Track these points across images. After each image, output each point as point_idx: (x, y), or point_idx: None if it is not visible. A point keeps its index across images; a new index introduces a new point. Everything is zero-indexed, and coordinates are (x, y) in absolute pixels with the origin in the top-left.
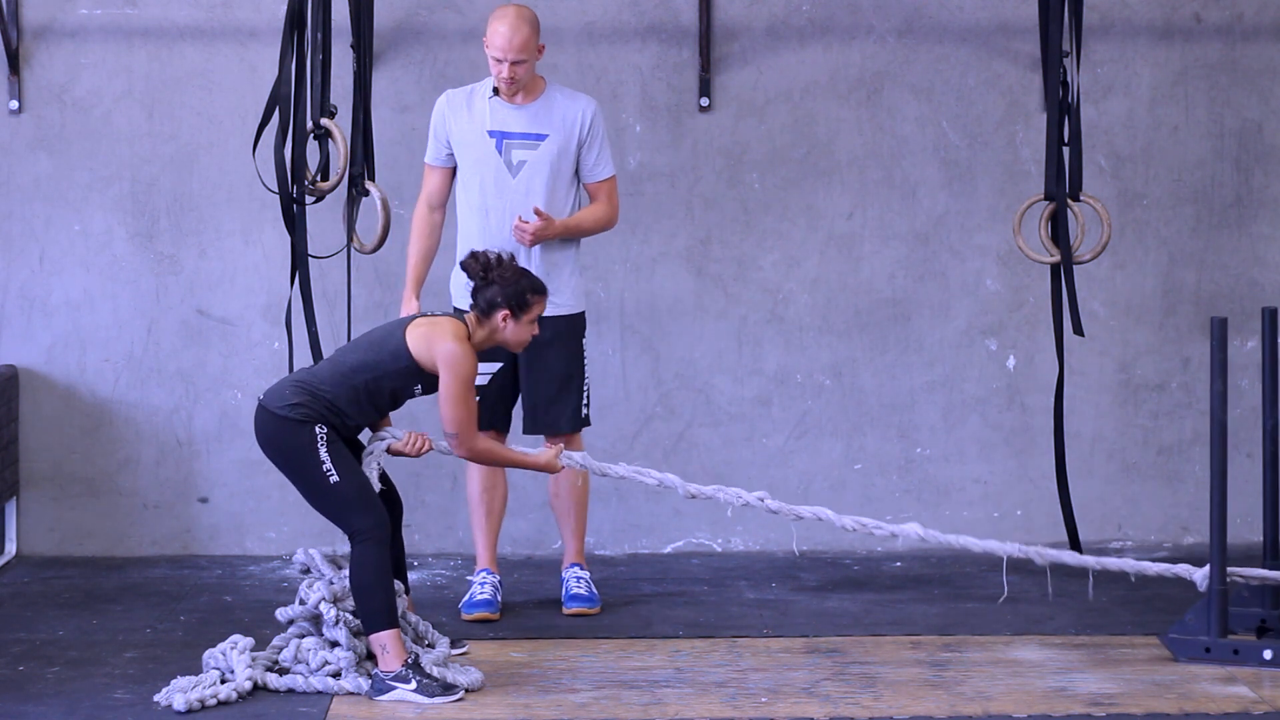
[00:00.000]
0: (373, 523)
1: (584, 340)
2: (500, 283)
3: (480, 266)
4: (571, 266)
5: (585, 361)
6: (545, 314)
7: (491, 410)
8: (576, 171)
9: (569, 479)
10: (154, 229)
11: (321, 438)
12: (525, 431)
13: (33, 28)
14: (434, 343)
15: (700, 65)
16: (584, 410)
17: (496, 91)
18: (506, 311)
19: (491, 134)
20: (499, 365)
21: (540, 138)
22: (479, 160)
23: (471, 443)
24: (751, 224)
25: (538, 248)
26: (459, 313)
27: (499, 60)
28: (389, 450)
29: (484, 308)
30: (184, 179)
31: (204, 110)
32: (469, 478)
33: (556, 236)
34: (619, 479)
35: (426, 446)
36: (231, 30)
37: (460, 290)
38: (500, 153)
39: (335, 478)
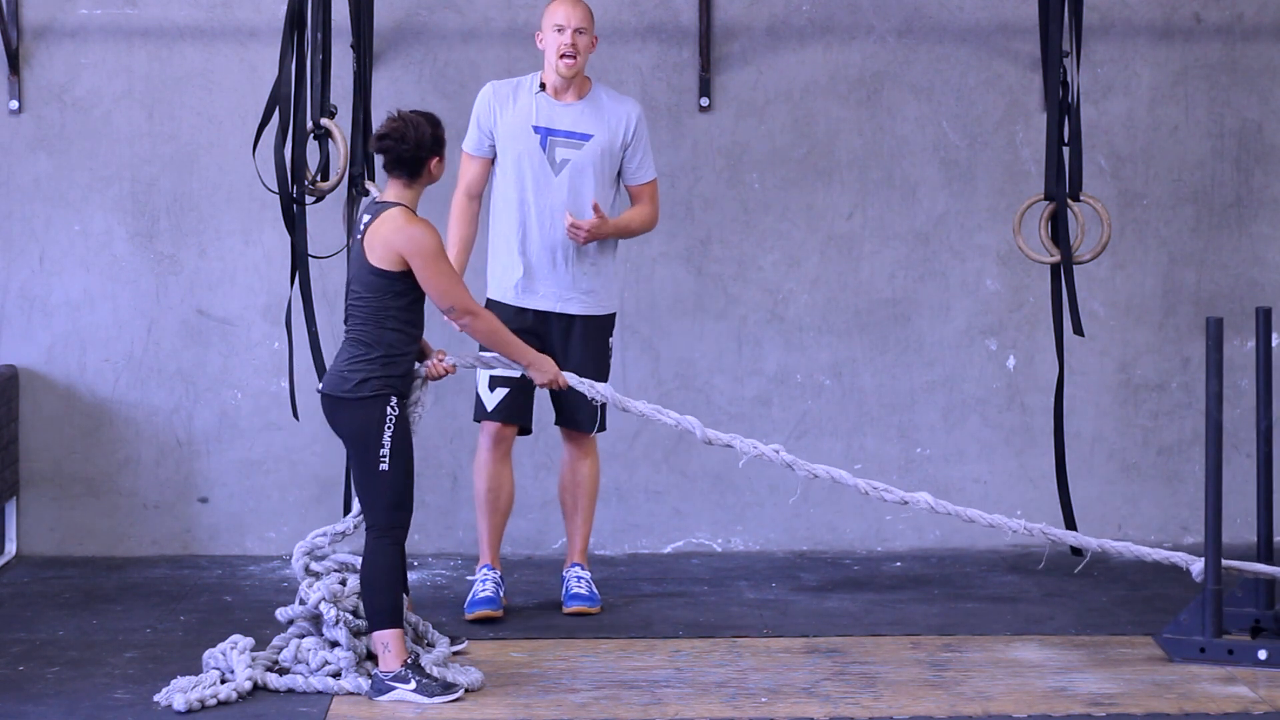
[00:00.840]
0: (396, 522)
1: (611, 340)
2: (420, 140)
3: (397, 140)
4: (613, 269)
5: (610, 362)
6: (581, 313)
7: (521, 409)
8: (618, 173)
9: (582, 472)
10: (154, 229)
11: (391, 418)
12: (558, 423)
13: (33, 28)
14: (392, 243)
15: (700, 65)
16: (600, 413)
17: (543, 87)
18: (436, 158)
19: (537, 129)
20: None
21: (585, 137)
22: (522, 155)
23: (469, 306)
24: (751, 224)
25: (578, 247)
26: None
27: (561, 28)
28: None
29: (414, 167)
30: (184, 179)
31: (204, 110)
32: (476, 475)
33: (608, 237)
34: (639, 416)
35: (450, 368)
36: (231, 30)
37: (498, 279)
38: (544, 149)
39: (385, 466)
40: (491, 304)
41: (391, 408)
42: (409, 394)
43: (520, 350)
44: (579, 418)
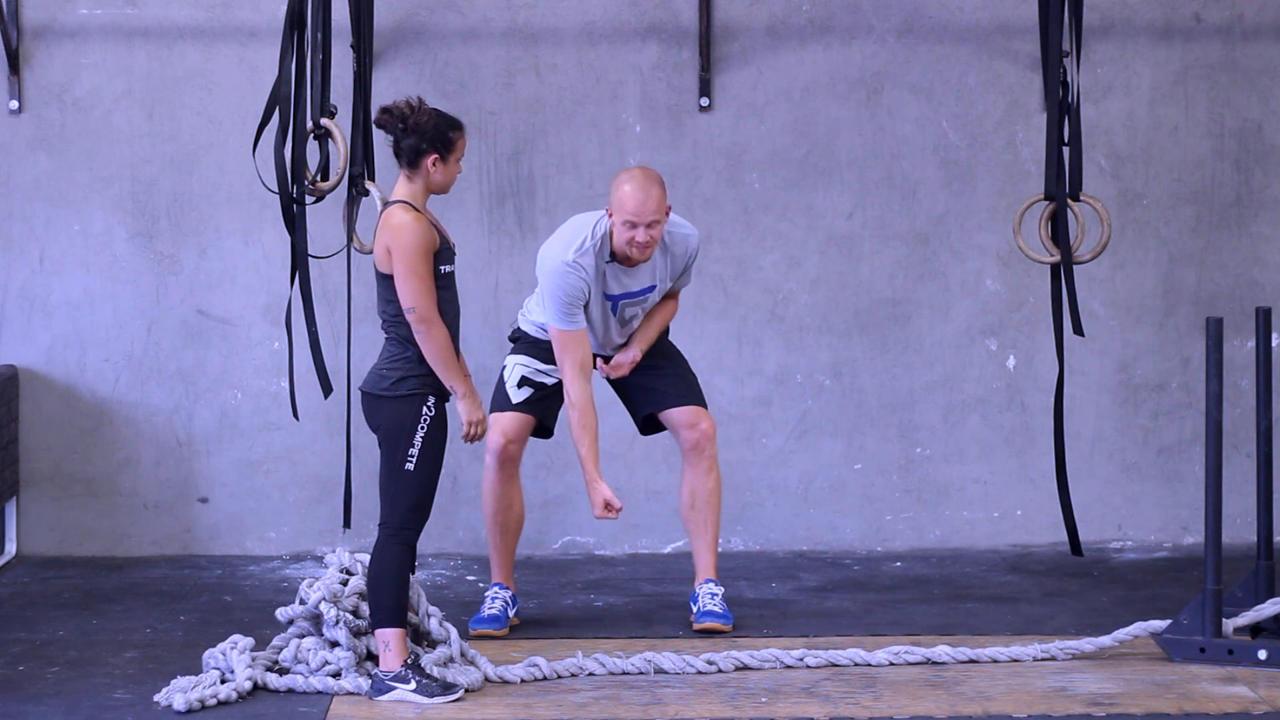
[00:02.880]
0: (410, 523)
1: (668, 337)
2: (419, 128)
3: (397, 119)
4: None
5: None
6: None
7: (543, 410)
8: None
9: (705, 489)
10: (154, 229)
11: (426, 418)
12: (642, 428)
13: (33, 28)
14: (381, 239)
15: (700, 65)
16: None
17: (613, 257)
18: (435, 155)
19: (609, 297)
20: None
21: (649, 290)
22: (596, 318)
23: (430, 315)
24: (751, 224)
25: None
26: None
27: (633, 224)
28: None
29: (410, 159)
30: (184, 179)
31: (204, 110)
32: (484, 495)
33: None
34: None
35: (480, 428)
36: (231, 30)
37: (531, 322)
38: (615, 313)
39: (410, 466)
40: (524, 334)
41: (428, 408)
42: (448, 393)
43: (459, 378)
44: (661, 397)
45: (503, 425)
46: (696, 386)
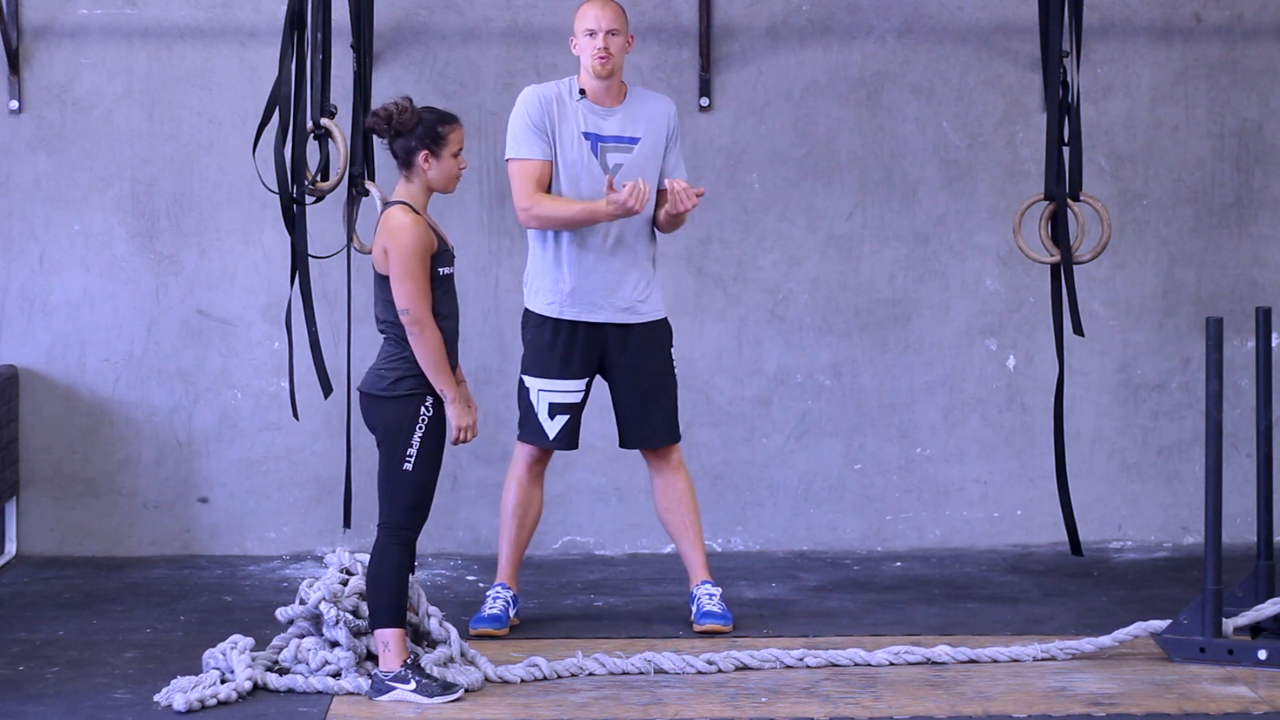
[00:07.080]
0: (409, 523)
1: (672, 350)
2: (406, 128)
3: (384, 121)
4: (654, 273)
5: (675, 370)
6: (636, 321)
7: (577, 434)
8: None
9: (678, 489)
10: (154, 229)
11: (424, 418)
12: (623, 446)
13: (33, 28)
14: (379, 240)
15: (700, 65)
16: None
17: (583, 94)
18: (425, 152)
19: (587, 136)
20: (585, 380)
21: (634, 140)
22: (575, 163)
23: (424, 318)
24: (751, 224)
25: (625, 253)
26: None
27: (593, 32)
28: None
29: (404, 159)
30: (184, 179)
31: (204, 110)
32: (506, 489)
33: (682, 221)
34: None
35: (470, 434)
36: (231, 30)
37: (545, 291)
38: (597, 156)
39: (409, 466)
40: (533, 316)
41: (426, 408)
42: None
43: (449, 383)
44: (648, 433)
45: (535, 453)
46: (673, 419)
